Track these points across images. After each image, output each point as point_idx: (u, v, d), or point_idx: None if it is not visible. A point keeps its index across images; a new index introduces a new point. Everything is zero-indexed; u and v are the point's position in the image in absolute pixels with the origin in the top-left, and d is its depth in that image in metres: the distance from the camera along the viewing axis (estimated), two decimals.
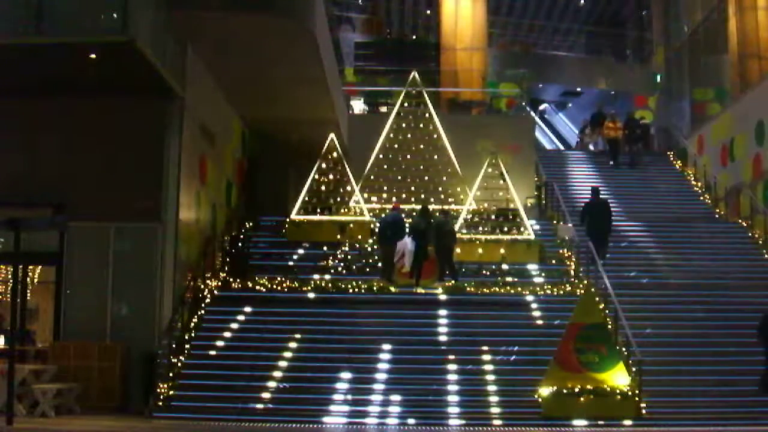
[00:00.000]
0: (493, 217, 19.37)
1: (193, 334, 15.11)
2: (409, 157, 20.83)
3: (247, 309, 16.00)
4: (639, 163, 25.71)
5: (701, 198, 23.54)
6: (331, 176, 20.01)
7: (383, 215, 18.42)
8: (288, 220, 19.42)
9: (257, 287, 16.70)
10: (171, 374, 13.85)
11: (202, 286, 16.29)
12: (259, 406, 13.31)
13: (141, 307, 14.41)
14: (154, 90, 14.36)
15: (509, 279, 17.29)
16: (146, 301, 14.42)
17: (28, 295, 15.79)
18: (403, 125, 21.08)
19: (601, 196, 19.40)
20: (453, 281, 17.03)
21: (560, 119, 43.39)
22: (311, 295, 16.51)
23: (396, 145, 20.86)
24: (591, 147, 29.01)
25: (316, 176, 19.95)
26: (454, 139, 21.15)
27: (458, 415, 13.01)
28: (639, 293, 16.80)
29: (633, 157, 25.85)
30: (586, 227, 18.21)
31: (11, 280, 13.02)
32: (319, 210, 19.61)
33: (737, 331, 15.40)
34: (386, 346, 14.87)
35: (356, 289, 16.67)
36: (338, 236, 19.02)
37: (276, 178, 22.30)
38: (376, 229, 18.15)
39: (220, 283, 16.87)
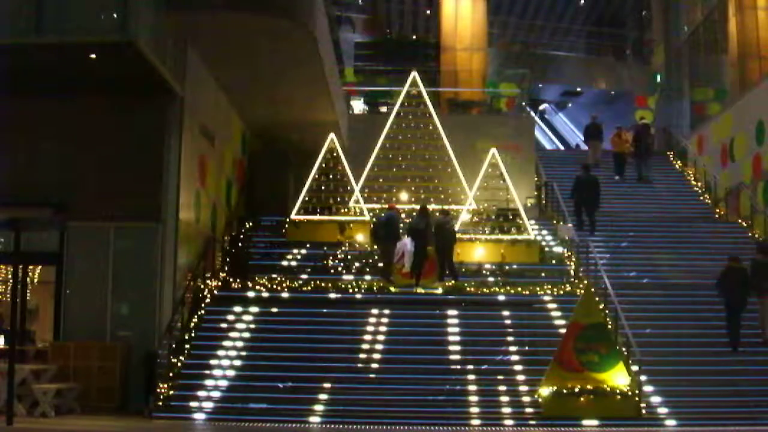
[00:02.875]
0: (493, 217, 19.38)
1: (193, 334, 15.11)
2: (409, 157, 20.82)
3: (247, 309, 16.00)
4: (648, 179, 24.10)
5: (701, 198, 23.53)
6: (331, 176, 20.01)
7: (381, 215, 18.41)
8: (288, 220, 19.42)
9: (257, 287, 16.70)
10: (171, 374, 13.85)
11: (202, 286, 16.29)
12: (260, 405, 13.30)
13: (141, 307, 14.41)
14: (154, 90, 14.36)
15: (509, 279, 17.29)
16: (146, 301, 14.42)
17: (28, 295, 15.79)
18: (403, 125, 21.06)
19: (590, 173, 20.70)
20: (453, 281, 17.03)
21: (560, 119, 43.42)
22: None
23: (396, 145, 20.85)
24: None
25: (316, 176, 19.95)
26: (454, 139, 21.14)
27: (458, 415, 13.00)
28: (639, 293, 16.80)
29: (643, 171, 24.16)
30: (576, 201, 19.91)
31: (11, 280, 13.01)
32: (319, 210, 19.61)
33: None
34: (386, 346, 14.87)
35: (356, 289, 16.68)
36: (338, 236, 19.03)
37: (276, 178, 22.31)
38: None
39: (220, 283, 16.87)
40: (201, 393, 13.57)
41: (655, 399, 13.23)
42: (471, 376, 14.01)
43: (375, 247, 18.13)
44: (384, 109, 28.20)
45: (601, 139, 25.89)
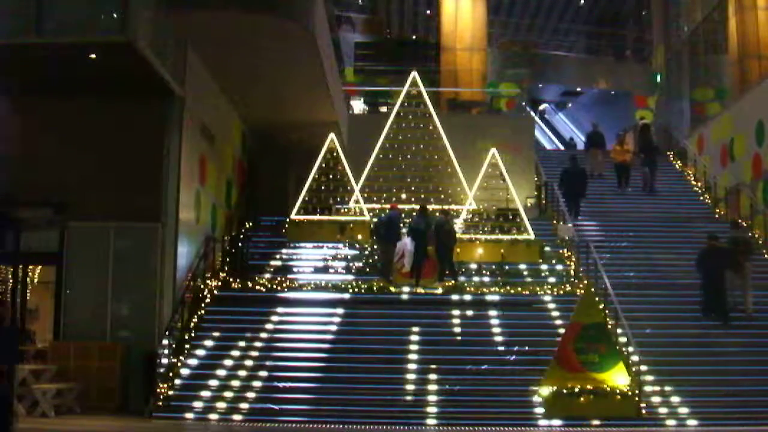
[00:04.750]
0: (493, 217, 19.38)
1: (193, 334, 15.11)
2: (409, 157, 20.82)
3: (247, 309, 15.99)
4: (654, 189, 23.28)
5: (701, 198, 23.53)
6: (331, 176, 20.01)
7: (382, 215, 18.42)
8: (288, 220, 19.42)
9: (257, 287, 16.69)
10: (171, 374, 13.85)
11: (202, 286, 16.29)
12: (261, 405, 13.31)
13: (141, 307, 14.41)
14: (154, 90, 14.35)
15: (509, 279, 17.29)
16: (146, 301, 14.42)
17: (28, 295, 15.79)
18: (403, 125, 21.06)
19: (577, 164, 21.81)
20: (453, 281, 17.03)
21: (560, 119, 43.40)
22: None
23: (396, 145, 20.85)
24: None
25: (316, 176, 19.95)
26: (454, 139, 21.15)
27: (458, 414, 13.00)
28: (639, 293, 16.79)
29: (649, 183, 23.31)
30: (564, 190, 21.00)
31: (11, 280, 13.01)
32: (319, 210, 19.61)
33: (737, 330, 15.45)
34: (385, 346, 14.87)
35: (356, 289, 16.68)
36: (338, 236, 19.04)
37: (276, 178, 22.30)
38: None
39: (220, 283, 16.86)
40: (201, 393, 13.56)
41: (655, 399, 13.22)
42: (470, 376, 14.00)
43: (375, 246, 18.13)
44: (384, 109, 28.20)
45: (603, 147, 24.89)
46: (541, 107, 42.16)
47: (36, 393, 12.84)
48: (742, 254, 16.24)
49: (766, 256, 18.86)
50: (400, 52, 34.19)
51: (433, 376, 14.02)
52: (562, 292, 16.68)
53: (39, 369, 13.53)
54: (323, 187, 19.92)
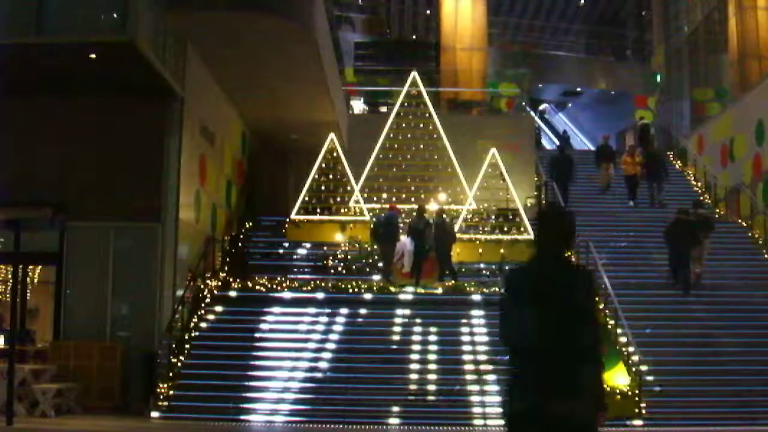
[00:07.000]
0: (493, 217, 19.38)
1: (193, 334, 15.11)
2: (409, 157, 20.83)
3: (247, 309, 15.99)
4: (662, 202, 22.01)
5: (701, 198, 23.49)
6: (331, 176, 20.02)
7: (381, 215, 18.41)
8: (288, 220, 19.42)
9: (257, 287, 16.69)
10: (171, 374, 13.85)
11: (202, 286, 16.28)
12: (260, 405, 13.32)
13: (141, 307, 14.41)
14: (154, 90, 14.35)
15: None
16: (146, 301, 14.41)
17: (28, 295, 15.79)
18: (403, 125, 21.07)
19: (565, 153, 23.06)
20: (453, 281, 17.03)
21: (560, 119, 43.44)
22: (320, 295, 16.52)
23: (396, 145, 20.86)
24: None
25: (316, 176, 19.95)
26: (454, 139, 21.15)
27: (457, 414, 12.99)
28: (639, 293, 16.78)
29: (656, 196, 22.22)
30: (555, 179, 21.70)
31: (11, 280, 13.01)
32: (319, 210, 19.62)
33: (737, 331, 15.43)
34: (385, 346, 14.87)
35: (356, 289, 16.67)
36: (338, 236, 19.04)
37: (276, 178, 22.30)
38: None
39: (220, 283, 16.86)
40: (201, 393, 13.56)
41: (655, 399, 13.21)
42: (470, 376, 14.00)
43: (375, 247, 18.12)
44: (384, 109, 28.20)
45: (613, 161, 23.74)
46: (541, 107, 42.19)
47: (36, 393, 12.84)
48: (702, 230, 17.14)
49: (766, 256, 18.87)
50: (400, 52, 34.18)
51: (433, 377, 14.01)
52: None
53: (39, 369, 13.52)
54: (323, 187, 19.92)
